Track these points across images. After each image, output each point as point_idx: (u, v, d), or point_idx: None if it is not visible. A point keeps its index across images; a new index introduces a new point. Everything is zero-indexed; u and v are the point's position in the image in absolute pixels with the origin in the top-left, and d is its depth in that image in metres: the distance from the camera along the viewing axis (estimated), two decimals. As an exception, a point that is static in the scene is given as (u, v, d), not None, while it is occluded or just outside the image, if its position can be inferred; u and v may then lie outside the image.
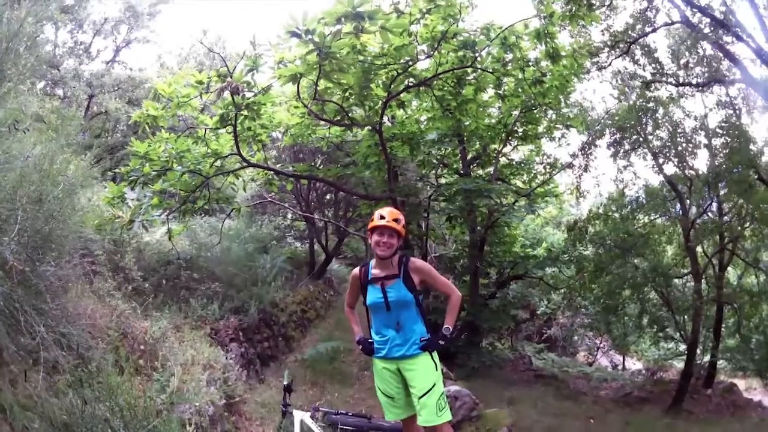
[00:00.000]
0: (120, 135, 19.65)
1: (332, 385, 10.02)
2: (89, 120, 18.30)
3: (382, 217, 4.89)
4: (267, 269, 11.67)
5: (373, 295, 5.01)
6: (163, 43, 27.02)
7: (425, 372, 4.91)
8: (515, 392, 12.67)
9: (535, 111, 13.71)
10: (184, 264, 9.70)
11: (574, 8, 9.56)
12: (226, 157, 9.61)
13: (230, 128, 8.86)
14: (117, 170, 9.52)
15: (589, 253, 17.55)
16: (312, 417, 6.02)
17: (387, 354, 5.00)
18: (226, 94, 8.01)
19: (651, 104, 16.70)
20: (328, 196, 18.53)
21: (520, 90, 11.00)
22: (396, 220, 4.89)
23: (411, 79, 10.02)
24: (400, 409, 5.14)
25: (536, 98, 11.07)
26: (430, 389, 4.84)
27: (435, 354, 5.00)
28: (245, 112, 8.66)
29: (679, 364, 20.37)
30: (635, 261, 16.82)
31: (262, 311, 10.50)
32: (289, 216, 19.49)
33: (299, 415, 5.94)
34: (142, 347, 5.50)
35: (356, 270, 5.27)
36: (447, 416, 4.87)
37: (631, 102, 17.23)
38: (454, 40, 9.10)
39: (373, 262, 5.12)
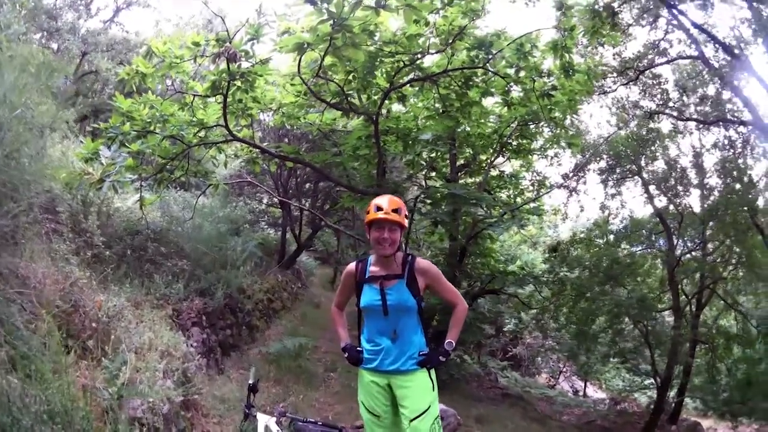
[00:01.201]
0: (106, 96, 18.79)
1: (297, 384, 9.19)
2: (79, 77, 17.46)
3: (379, 209, 4.16)
4: (237, 252, 10.87)
5: (370, 296, 4.32)
6: (162, 10, 26.02)
7: (420, 391, 4.24)
8: (483, 410, 12.06)
9: (532, 126, 13.28)
10: (152, 235, 8.91)
11: (597, 25, 9.21)
12: (212, 128, 8.89)
13: (220, 98, 8.13)
14: (95, 125, 8.70)
15: (571, 275, 16.99)
16: (277, 422, 5.32)
17: (378, 366, 4.31)
18: (222, 60, 7.38)
19: (651, 135, 16.44)
20: (307, 185, 17.87)
21: (527, 101, 10.49)
22: (396, 211, 4.16)
23: (417, 72, 9.51)
24: (386, 429, 4.41)
25: (542, 111, 10.52)
26: (424, 412, 4.17)
27: (433, 372, 4.33)
28: (238, 83, 7.94)
29: (642, 398, 20.24)
30: (617, 290, 16.38)
31: (228, 296, 9.65)
32: (265, 201, 18.79)
33: (263, 419, 5.20)
34: (94, 325, 4.69)
35: (352, 265, 4.53)
36: None
37: (629, 130, 16.97)
38: (469, 38, 8.66)
39: (372, 257, 4.42)
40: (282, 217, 16.82)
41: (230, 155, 10.54)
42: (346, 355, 4.54)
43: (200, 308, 8.45)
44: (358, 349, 4.48)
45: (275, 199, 16.75)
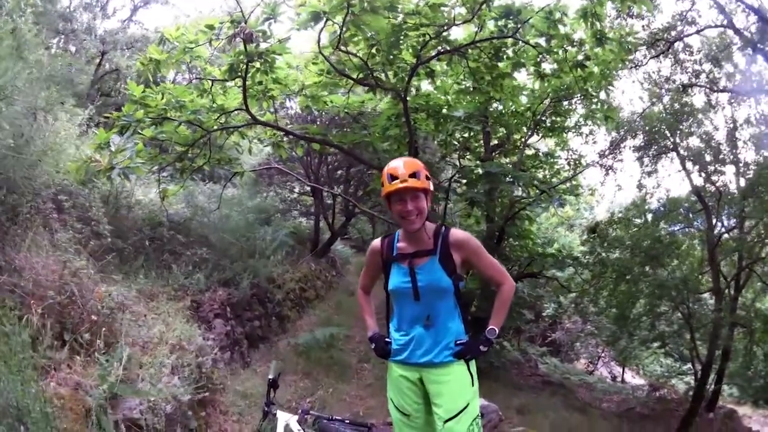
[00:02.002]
0: (128, 92, 18.62)
1: (327, 377, 8.66)
2: (99, 77, 17.30)
3: (394, 177, 3.48)
4: (267, 242, 10.38)
5: (398, 277, 3.68)
6: (181, 6, 25.79)
7: (457, 387, 3.61)
8: (524, 399, 11.47)
9: (565, 103, 12.85)
10: (171, 224, 8.50)
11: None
12: (233, 112, 8.46)
13: (239, 81, 7.68)
14: (107, 115, 8.31)
15: (612, 256, 16.20)
16: (300, 421, 4.83)
17: (408, 358, 3.71)
18: (238, 42, 6.94)
19: (686, 109, 15.70)
20: (339, 173, 17.43)
21: (560, 72, 9.88)
22: (415, 175, 3.47)
23: (444, 46, 8.97)
24: (417, 431, 3.83)
25: (576, 84, 9.91)
26: (461, 411, 3.54)
27: (473, 364, 3.68)
28: (257, 64, 7.47)
29: (679, 384, 19.69)
30: (658, 271, 15.54)
31: (255, 286, 9.14)
32: (296, 190, 18.35)
33: (284, 418, 4.69)
34: (94, 317, 4.26)
35: (377, 242, 3.91)
36: None
37: (662, 106, 16.27)
38: (496, 8, 8.10)
39: (399, 232, 3.77)
40: (314, 205, 16.37)
41: (254, 139, 10.02)
42: (373, 346, 3.97)
43: (224, 299, 7.98)
44: (386, 339, 3.89)
45: (307, 188, 16.37)
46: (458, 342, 3.64)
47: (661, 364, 21.85)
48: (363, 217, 20.06)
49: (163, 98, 7.70)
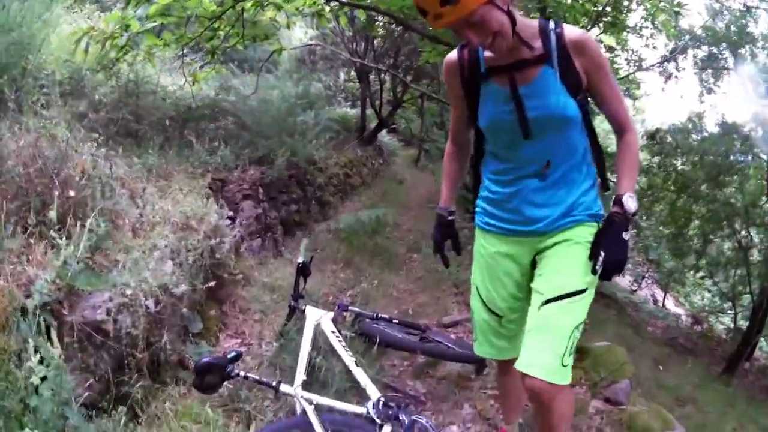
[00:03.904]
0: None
1: (372, 267, 7.45)
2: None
3: (424, 13, 2.02)
4: (309, 125, 9.22)
5: (494, 106, 2.29)
6: None
7: (577, 264, 2.27)
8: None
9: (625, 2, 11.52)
10: (199, 107, 7.46)
11: None
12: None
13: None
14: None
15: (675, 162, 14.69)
16: (335, 320, 3.72)
17: (511, 227, 2.44)
18: None
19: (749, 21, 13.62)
20: (386, 60, 16.08)
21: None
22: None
23: None
24: (506, 339, 2.64)
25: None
26: (573, 294, 2.21)
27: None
28: None
29: (716, 324, 17.93)
30: (719, 192, 13.90)
31: (294, 166, 7.89)
32: (342, 76, 17.09)
33: (314, 316, 3.60)
34: (71, 193, 3.22)
35: (452, 55, 2.40)
36: (568, 374, 2.23)
37: (725, 19, 14.16)
38: None
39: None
40: (360, 89, 15.13)
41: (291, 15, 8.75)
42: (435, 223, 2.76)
43: (256, 179, 6.78)
44: (449, 217, 2.69)
45: (353, 73, 15.14)
46: (590, 214, 2.35)
47: (702, 297, 20.45)
48: (411, 106, 18.66)
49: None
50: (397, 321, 4.34)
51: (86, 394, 2.71)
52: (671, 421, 3.71)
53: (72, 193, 3.20)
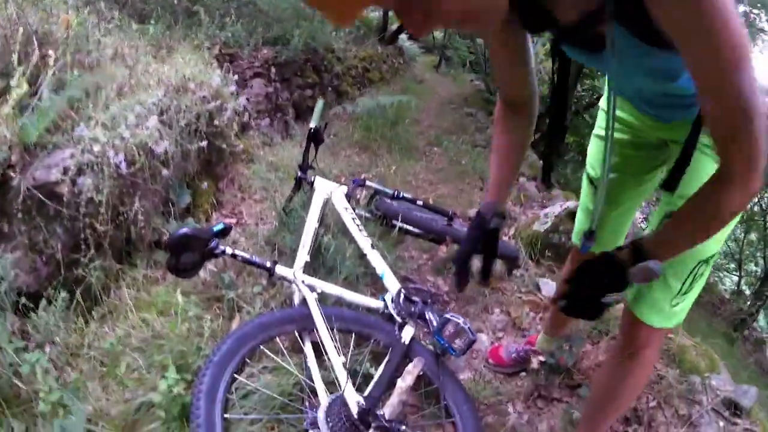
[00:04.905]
0: None
1: (390, 154, 6.75)
2: None
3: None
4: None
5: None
6: None
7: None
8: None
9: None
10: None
11: None
12: None
13: None
14: None
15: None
16: (348, 195, 3.10)
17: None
18: None
19: None
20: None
21: None
22: None
23: None
24: (622, 205, 2.08)
25: None
26: None
27: None
28: None
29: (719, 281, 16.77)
30: None
31: (311, 51, 7.20)
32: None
33: (324, 188, 3.01)
34: (50, 52, 2.59)
35: None
36: (680, 317, 1.79)
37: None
38: None
39: None
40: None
41: None
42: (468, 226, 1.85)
43: (269, 58, 6.08)
44: (491, 223, 1.65)
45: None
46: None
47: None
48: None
49: None
50: (421, 203, 3.70)
51: (25, 278, 2.17)
52: (718, 364, 3.19)
53: (50, 52, 2.54)
